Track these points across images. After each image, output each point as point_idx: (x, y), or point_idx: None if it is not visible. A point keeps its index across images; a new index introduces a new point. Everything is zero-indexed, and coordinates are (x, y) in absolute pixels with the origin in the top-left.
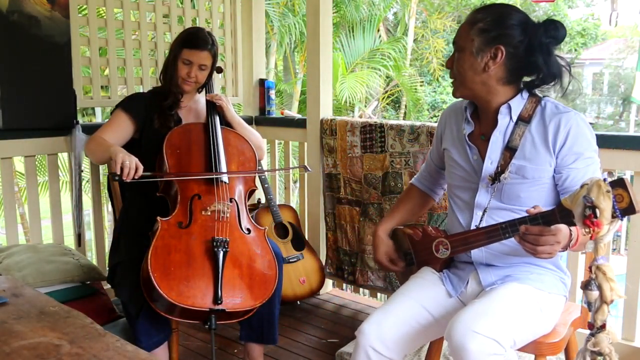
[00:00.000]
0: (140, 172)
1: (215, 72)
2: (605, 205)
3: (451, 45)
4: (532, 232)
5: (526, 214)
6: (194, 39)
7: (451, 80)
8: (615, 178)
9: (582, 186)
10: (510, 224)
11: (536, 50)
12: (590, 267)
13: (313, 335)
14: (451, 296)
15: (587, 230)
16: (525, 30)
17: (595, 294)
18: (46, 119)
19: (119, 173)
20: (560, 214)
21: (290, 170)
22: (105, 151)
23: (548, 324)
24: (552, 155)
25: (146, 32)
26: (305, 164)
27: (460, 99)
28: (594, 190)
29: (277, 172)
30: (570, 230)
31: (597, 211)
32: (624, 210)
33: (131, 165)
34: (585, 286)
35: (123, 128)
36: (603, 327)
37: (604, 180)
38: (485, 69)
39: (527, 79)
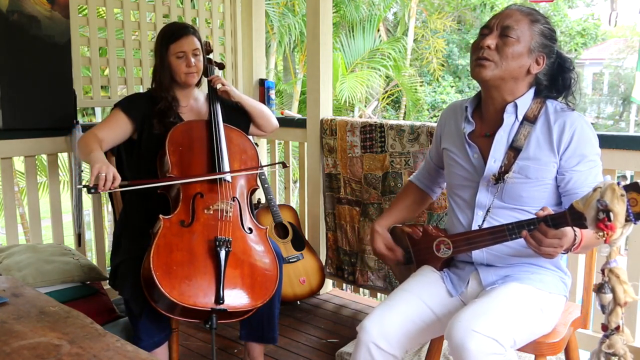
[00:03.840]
0: (118, 182)
1: (217, 69)
2: (620, 209)
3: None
4: (540, 230)
5: (534, 216)
6: (174, 31)
7: (480, 58)
8: (629, 182)
9: (594, 189)
10: (517, 225)
11: (565, 71)
12: (602, 270)
13: (313, 335)
14: (452, 296)
15: (600, 233)
16: (558, 53)
17: (608, 296)
18: (46, 119)
19: (92, 185)
20: (571, 216)
21: (269, 166)
22: (86, 155)
23: (548, 324)
24: (556, 156)
25: (146, 32)
26: (305, 164)
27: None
28: (608, 193)
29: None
30: (574, 234)
31: (611, 215)
32: (638, 214)
33: (108, 177)
34: (599, 289)
35: (120, 126)
36: (617, 329)
37: (618, 183)
38: (529, 71)
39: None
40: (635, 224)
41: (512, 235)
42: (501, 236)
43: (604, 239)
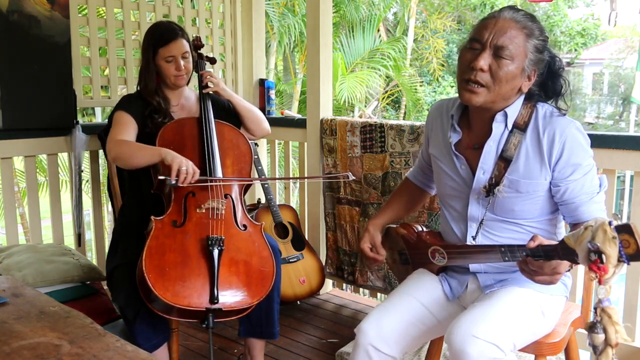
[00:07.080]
0: (197, 176)
1: (208, 64)
2: (612, 251)
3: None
4: (532, 265)
5: (527, 236)
6: (164, 35)
7: (472, 82)
8: (621, 223)
9: (586, 227)
10: (510, 250)
11: (554, 76)
12: (595, 309)
13: (313, 335)
14: (450, 299)
15: (593, 275)
16: (549, 58)
17: (600, 337)
18: (46, 119)
19: (174, 178)
20: (562, 251)
21: (333, 179)
22: (153, 154)
23: (549, 326)
24: (548, 168)
25: None
26: (305, 164)
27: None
28: (600, 235)
29: (321, 180)
30: None
31: (604, 257)
32: (631, 256)
33: (188, 170)
34: (591, 328)
35: (132, 126)
36: None
37: (610, 224)
38: (521, 90)
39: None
40: (628, 265)
41: (505, 258)
42: (494, 257)
43: (597, 280)
